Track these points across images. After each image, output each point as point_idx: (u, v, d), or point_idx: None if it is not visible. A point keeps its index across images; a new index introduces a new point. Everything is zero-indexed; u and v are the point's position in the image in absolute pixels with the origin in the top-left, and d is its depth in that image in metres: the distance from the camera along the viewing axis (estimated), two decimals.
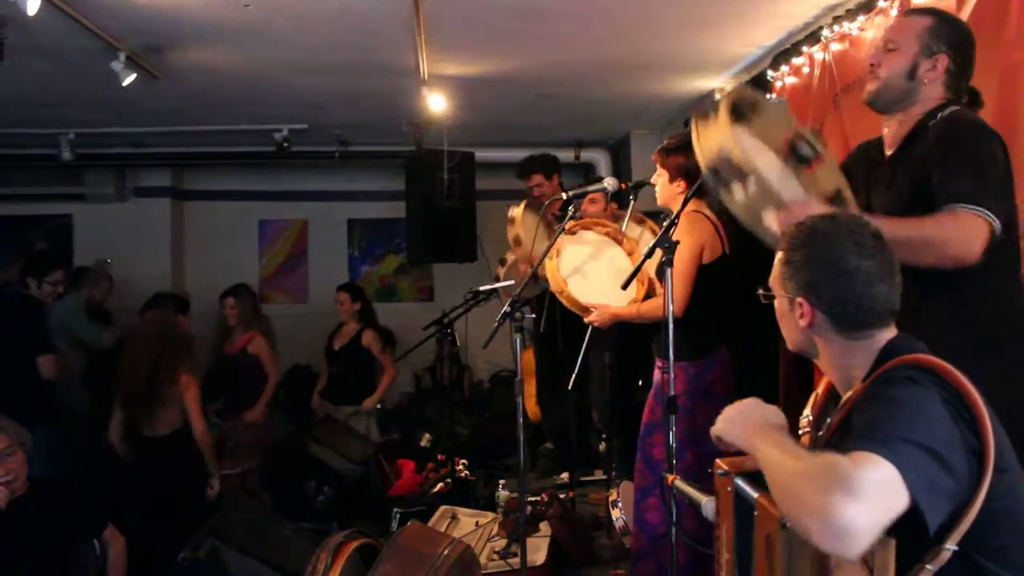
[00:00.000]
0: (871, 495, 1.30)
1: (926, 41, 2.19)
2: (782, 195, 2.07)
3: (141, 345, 4.57)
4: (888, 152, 2.28)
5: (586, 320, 3.52)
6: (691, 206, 3.38)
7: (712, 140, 2.17)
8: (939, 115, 2.17)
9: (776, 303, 1.79)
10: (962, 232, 2.00)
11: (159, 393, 4.44)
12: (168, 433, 4.48)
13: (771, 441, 1.56)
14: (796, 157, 2.20)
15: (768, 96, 2.27)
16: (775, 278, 1.78)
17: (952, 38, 2.20)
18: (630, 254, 3.74)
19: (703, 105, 2.36)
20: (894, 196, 2.18)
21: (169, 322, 4.79)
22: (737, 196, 2.13)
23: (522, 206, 4.68)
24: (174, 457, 4.45)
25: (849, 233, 1.66)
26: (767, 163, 2.11)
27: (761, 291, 1.83)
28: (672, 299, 3.19)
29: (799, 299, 1.70)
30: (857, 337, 1.67)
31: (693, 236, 3.34)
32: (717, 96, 2.54)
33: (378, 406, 6.15)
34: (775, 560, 1.52)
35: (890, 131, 2.28)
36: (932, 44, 2.19)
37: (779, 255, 1.76)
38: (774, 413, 1.71)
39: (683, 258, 3.27)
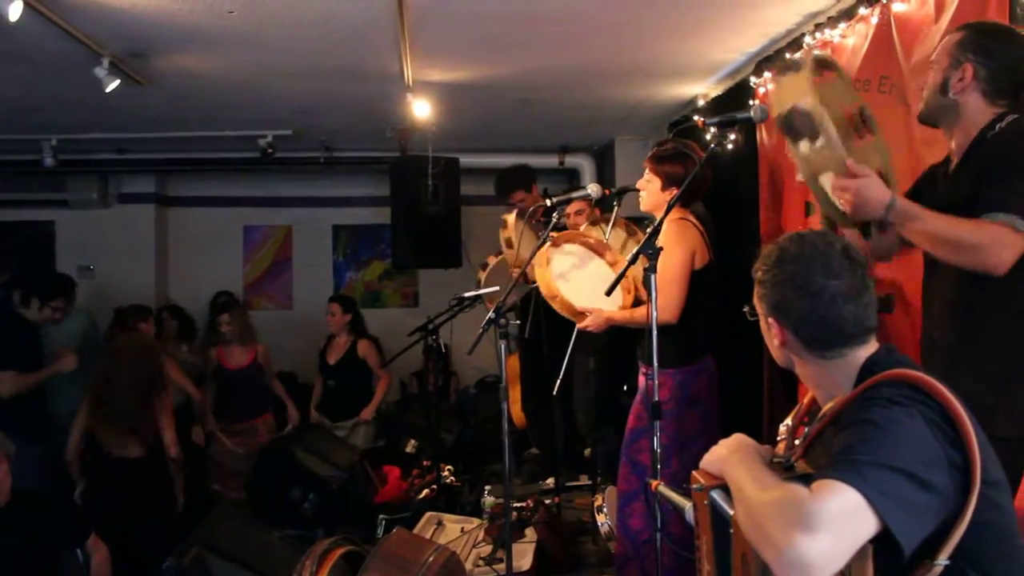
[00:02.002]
0: (830, 526, 1.33)
1: (954, 54, 2.24)
2: (846, 160, 2.13)
3: (119, 368, 4.43)
4: (951, 168, 2.32)
5: (579, 325, 3.52)
6: (676, 213, 3.40)
7: (793, 90, 2.23)
8: (998, 125, 2.19)
9: (759, 321, 1.81)
10: (991, 241, 2.03)
11: (137, 416, 4.35)
12: (138, 456, 4.38)
13: (743, 467, 1.58)
14: (853, 127, 2.24)
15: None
16: (754, 297, 1.80)
17: (980, 45, 2.22)
18: (612, 265, 3.75)
19: (788, 58, 2.46)
20: (951, 206, 2.19)
21: (148, 344, 4.67)
22: (802, 149, 2.20)
23: (515, 212, 4.72)
24: (144, 479, 4.36)
25: (816, 253, 1.66)
26: (831, 125, 2.15)
27: (746, 309, 1.85)
28: (665, 305, 3.23)
29: (770, 320, 1.73)
30: (829, 357, 1.67)
31: (684, 242, 3.36)
32: (798, 55, 2.62)
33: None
34: None
35: (954, 145, 2.31)
36: (959, 55, 2.23)
37: (754, 275, 1.78)
38: (755, 444, 1.72)
39: (675, 264, 3.30)
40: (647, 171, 3.52)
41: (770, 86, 2.39)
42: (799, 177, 2.30)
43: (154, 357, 4.56)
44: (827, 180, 2.20)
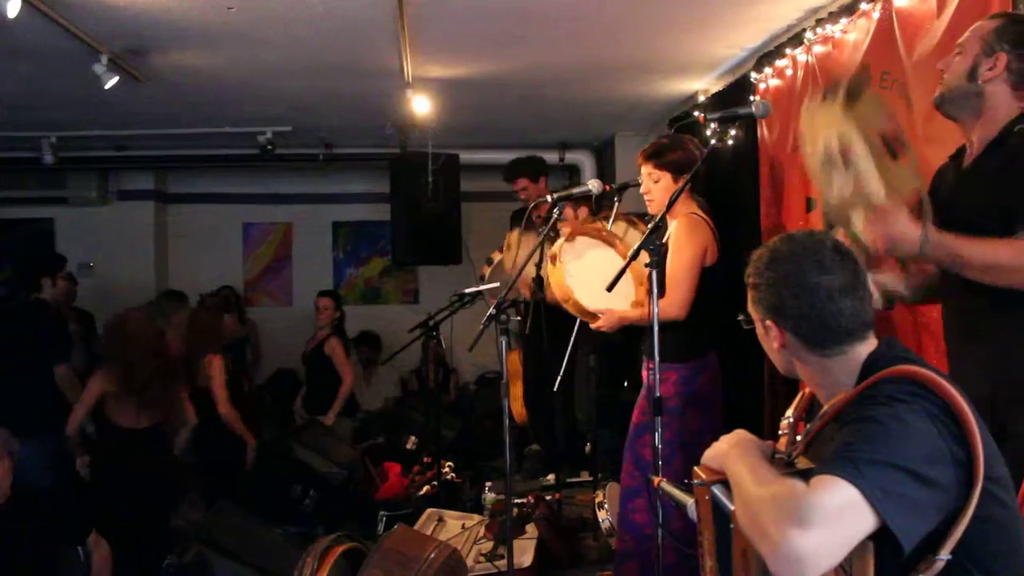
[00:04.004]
0: (825, 522, 1.33)
1: (989, 41, 2.16)
2: (874, 196, 2.06)
3: (138, 341, 4.47)
4: (968, 161, 2.25)
5: (592, 326, 3.50)
6: (687, 208, 3.39)
7: (827, 125, 2.15)
8: None
9: (756, 328, 1.80)
10: None
11: (160, 390, 4.44)
12: (144, 427, 4.43)
13: (743, 462, 1.57)
14: (888, 149, 2.18)
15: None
16: (748, 304, 1.79)
17: (1018, 36, 2.14)
18: (626, 256, 3.74)
19: (824, 88, 2.36)
20: (971, 206, 2.15)
21: (153, 320, 4.76)
22: (835, 187, 2.12)
23: (516, 231, 4.70)
24: (149, 450, 4.43)
25: (807, 251, 1.66)
26: (863, 156, 2.10)
27: (741, 317, 1.84)
28: (675, 302, 3.24)
29: (768, 322, 1.71)
30: (830, 355, 1.66)
31: (697, 239, 3.35)
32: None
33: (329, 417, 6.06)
34: (751, 573, 1.54)
35: (975, 138, 2.23)
36: (994, 43, 2.15)
37: (747, 281, 1.77)
38: (756, 440, 1.72)
39: (687, 261, 3.29)
40: (651, 171, 3.43)
41: (804, 109, 2.29)
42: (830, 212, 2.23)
43: (155, 328, 4.64)
44: (858, 218, 2.12)
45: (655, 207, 3.48)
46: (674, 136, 3.53)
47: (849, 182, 2.09)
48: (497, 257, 5.08)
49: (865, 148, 2.10)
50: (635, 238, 4.03)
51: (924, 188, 2.28)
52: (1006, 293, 2.03)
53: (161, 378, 4.45)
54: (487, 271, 5.03)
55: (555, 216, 3.56)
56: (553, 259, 3.52)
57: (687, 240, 3.32)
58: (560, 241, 3.55)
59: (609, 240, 3.78)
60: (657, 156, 3.44)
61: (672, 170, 3.40)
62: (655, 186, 3.44)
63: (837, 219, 2.21)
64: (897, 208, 2.07)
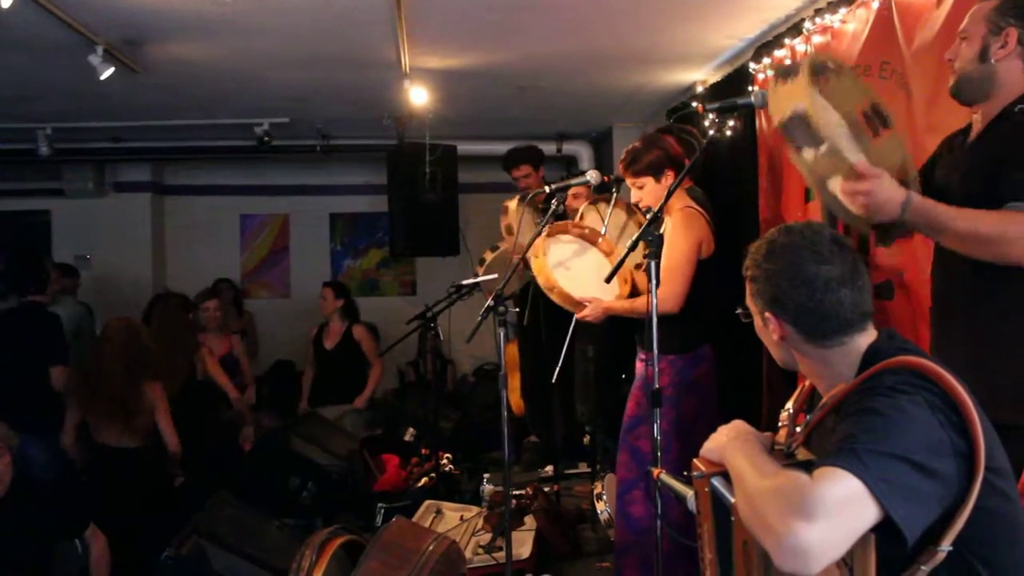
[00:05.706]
0: (829, 513, 1.33)
1: (993, 20, 2.12)
2: (852, 163, 2.05)
3: (103, 352, 4.46)
4: (972, 137, 2.23)
5: (578, 315, 3.51)
6: (682, 202, 3.39)
7: (790, 99, 2.15)
8: None
9: (754, 321, 1.80)
10: (1019, 234, 1.95)
11: (131, 403, 4.36)
12: (135, 446, 4.39)
13: (743, 453, 1.57)
14: (867, 124, 2.17)
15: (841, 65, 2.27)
16: (747, 297, 1.79)
17: (1022, 9, 2.10)
18: (608, 254, 3.74)
19: (783, 65, 2.29)
20: (967, 179, 2.14)
21: (131, 326, 4.64)
22: (806, 156, 2.12)
23: (516, 197, 4.69)
24: (141, 470, 4.38)
25: (805, 242, 1.66)
26: (836, 128, 2.08)
27: (740, 311, 1.84)
28: (667, 296, 3.23)
29: (767, 314, 1.71)
30: (830, 346, 1.66)
31: (692, 232, 3.35)
32: (788, 60, 2.43)
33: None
34: (752, 565, 1.54)
35: (979, 114, 2.21)
36: (999, 21, 2.11)
37: (746, 274, 1.77)
38: (755, 432, 1.71)
39: (680, 255, 3.29)
40: (632, 180, 3.47)
41: (769, 93, 2.28)
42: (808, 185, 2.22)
43: (137, 339, 4.53)
44: (836, 185, 2.11)
45: (650, 205, 3.50)
46: (646, 137, 3.53)
47: (824, 152, 2.08)
48: (490, 256, 5.06)
49: (839, 119, 2.08)
50: (634, 229, 4.04)
51: (912, 162, 2.27)
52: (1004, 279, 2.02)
53: (124, 389, 4.37)
54: (480, 271, 5.01)
55: (554, 206, 3.56)
56: (537, 252, 3.52)
57: (682, 234, 3.33)
58: (542, 237, 3.54)
59: (591, 238, 3.79)
60: (633, 164, 3.46)
61: (650, 172, 3.43)
62: (641, 192, 3.48)
63: (811, 182, 2.21)
64: (879, 171, 2.05)
